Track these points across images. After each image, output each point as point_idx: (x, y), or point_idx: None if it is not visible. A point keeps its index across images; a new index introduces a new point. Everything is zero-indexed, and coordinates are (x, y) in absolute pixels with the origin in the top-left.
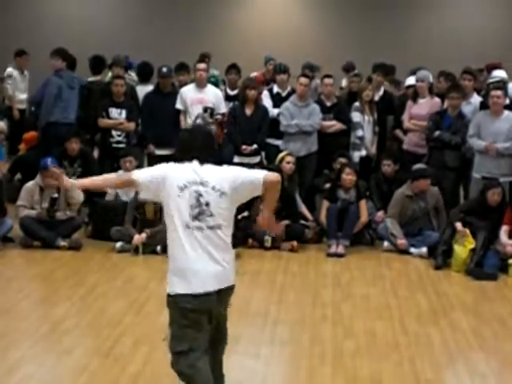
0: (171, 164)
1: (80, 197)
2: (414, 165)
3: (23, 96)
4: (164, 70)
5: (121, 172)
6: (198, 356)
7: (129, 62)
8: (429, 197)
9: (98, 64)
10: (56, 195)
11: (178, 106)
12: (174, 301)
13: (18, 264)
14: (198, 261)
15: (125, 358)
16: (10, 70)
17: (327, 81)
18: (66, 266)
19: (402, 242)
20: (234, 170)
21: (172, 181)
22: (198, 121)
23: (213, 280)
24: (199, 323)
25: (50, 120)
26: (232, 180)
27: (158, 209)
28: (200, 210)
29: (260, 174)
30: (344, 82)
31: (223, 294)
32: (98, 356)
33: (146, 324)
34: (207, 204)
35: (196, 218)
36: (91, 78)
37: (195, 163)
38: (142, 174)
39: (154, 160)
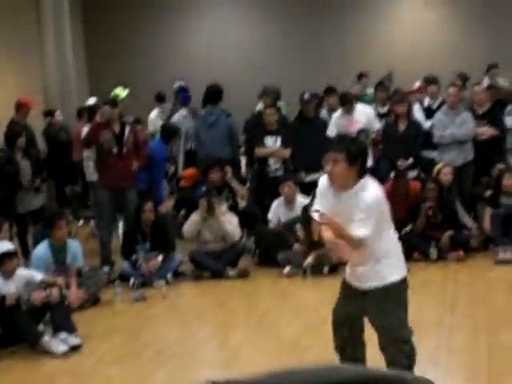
0: (374, 189)
1: (236, 234)
2: None
3: None
4: (306, 96)
5: (281, 199)
6: None
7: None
8: None
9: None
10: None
11: (330, 133)
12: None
13: (191, 295)
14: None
15: None
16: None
17: (477, 89)
18: (237, 294)
19: None
20: None
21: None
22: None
23: None
24: None
25: (199, 157)
26: None
27: None
28: None
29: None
30: (485, 83)
31: None
32: None
33: (324, 346)
34: None
35: None
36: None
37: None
38: (368, 229)
39: (304, 186)
